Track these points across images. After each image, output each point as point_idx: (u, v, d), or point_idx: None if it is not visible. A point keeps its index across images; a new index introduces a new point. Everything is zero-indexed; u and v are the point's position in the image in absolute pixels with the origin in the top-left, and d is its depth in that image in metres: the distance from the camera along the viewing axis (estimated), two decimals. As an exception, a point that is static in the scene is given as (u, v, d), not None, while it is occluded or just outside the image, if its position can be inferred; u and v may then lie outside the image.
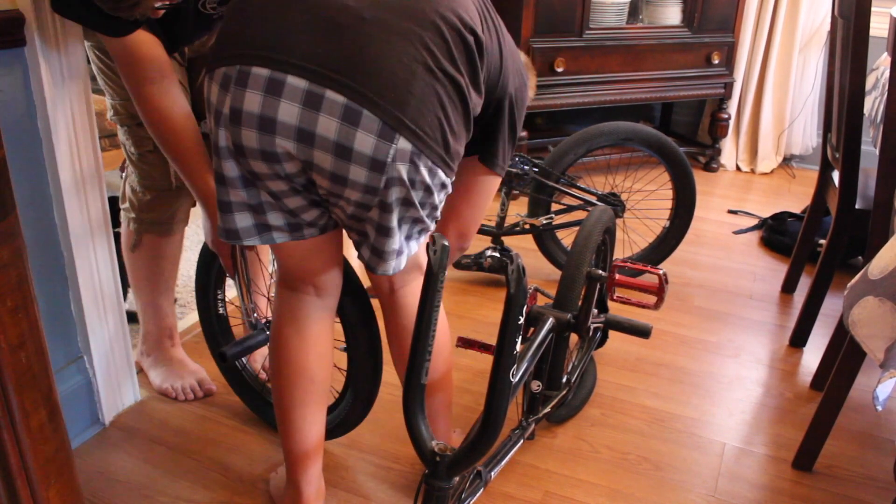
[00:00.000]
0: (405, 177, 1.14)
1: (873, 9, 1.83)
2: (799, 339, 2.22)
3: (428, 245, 1.18)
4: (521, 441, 1.61)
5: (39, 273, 1.58)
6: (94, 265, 1.68)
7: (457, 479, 1.28)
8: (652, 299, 1.74)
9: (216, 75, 1.14)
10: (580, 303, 1.69)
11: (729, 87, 3.63)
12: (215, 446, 1.73)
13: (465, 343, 1.70)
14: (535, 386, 1.64)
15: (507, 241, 2.55)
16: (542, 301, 1.85)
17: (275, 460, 1.69)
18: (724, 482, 1.67)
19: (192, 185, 1.52)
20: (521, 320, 1.17)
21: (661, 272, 1.71)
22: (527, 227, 2.47)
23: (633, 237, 2.77)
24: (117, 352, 1.78)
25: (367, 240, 1.25)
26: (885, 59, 2.04)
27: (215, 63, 1.14)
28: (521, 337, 1.20)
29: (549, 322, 1.60)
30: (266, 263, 1.99)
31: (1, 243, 0.94)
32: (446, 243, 1.19)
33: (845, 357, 1.59)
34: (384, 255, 1.25)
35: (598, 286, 1.71)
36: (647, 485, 1.66)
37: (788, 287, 2.55)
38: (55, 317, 1.64)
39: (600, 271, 1.66)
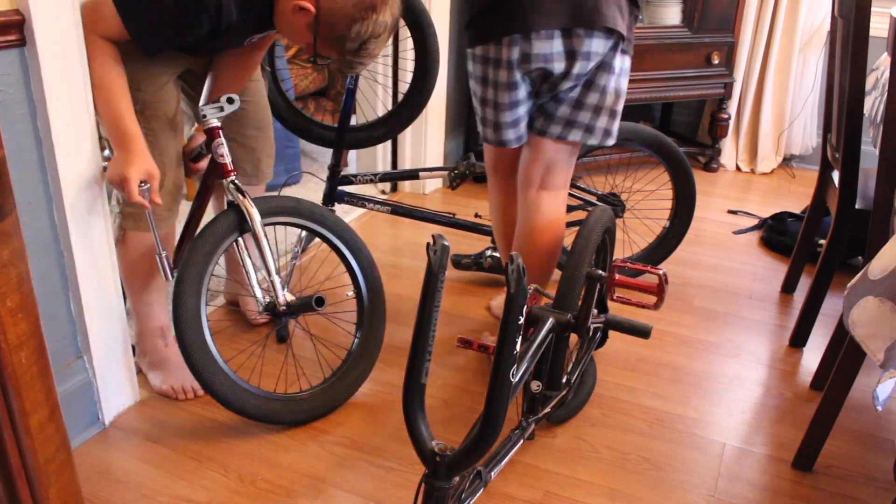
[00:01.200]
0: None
1: (873, 9, 1.83)
2: (799, 339, 2.22)
3: (428, 245, 1.18)
4: (521, 441, 1.61)
5: (39, 273, 1.58)
6: (94, 265, 1.68)
7: (457, 478, 1.28)
8: (652, 299, 1.74)
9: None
10: (580, 303, 1.68)
11: (729, 87, 3.63)
12: (215, 446, 1.73)
13: (464, 343, 1.70)
14: (535, 386, 1.64)
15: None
16: (542, 301, 1.85)
17: (274, 460, 1.69)
18: (724, 482, 1.67)
19: (117, 122, 1.61)
20: (521, 320, 1.17)
21: (661, 272, 1.71)
22: (527, 227, 2.46)
23: (632, 237, 2.77)
24: (117, 352, 1.78)
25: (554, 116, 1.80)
26: (885, 60, 2.04)
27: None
28: (520, 337, 1.20)
29: (549, 322, 1.60)
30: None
31: (1, 243, 0.94)
32: (446, 243, 1.19)
33: (845, 357, 1.59)
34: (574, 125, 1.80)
35: (598, 286, 1.71)
36: (648, 485, 1.66)
37: (788, 287, 2.55)
38: (55, 317, 1.64)
39: (600, 271, 1.66)
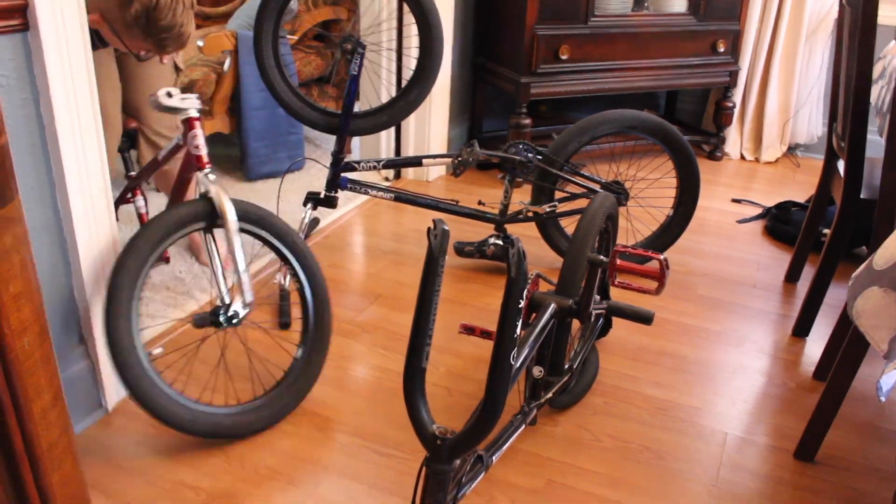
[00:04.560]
0: None
1: (881, -3, 1.82)
2: (802, 328, 2.22)
3: (429, 229, 1.18)
4: (523, 426, 1.62)
5: (42, 259, 1.58)
6: (97, 251, 1.68)
7: (457, 462, 1.29)
8: (653, 285, 1.74)
9: None
10: (582, 288, 1.68)
11: (734, 75, 3.61)
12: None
13: (467, 329, 1.70)
14: (537, 371, 1.64)
15: (510, 228, 2.55)
16: (544, 287, 1.85)
17: (276, 447, 1.70)
18: (725, 472, 1.67)
19: None
20: (522, 304, 1.17)
21: (661, 257, 1.71)
22: (530, 214, 2.46)
23: (636, 225, 2.76)
24: (120, 338, 1.78)
25: None
26: (892, 48, 2.02)
27: None
28: (522, 322, 1.20)
29: (551, 308, 1.60)
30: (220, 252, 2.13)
31: (3, 229, 0.94)
32: (447, 228, 1.19)
33: (848, 347, 1.59)
34: None
35: (600, 272, 1.71)
36: (649, 474, 1.66)
37: (792, 276, 2.54)
38: (58, 303, 1.64)
39: (602, 257, 1.66)
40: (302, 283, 1.83)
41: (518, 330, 1.19)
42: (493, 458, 1.47)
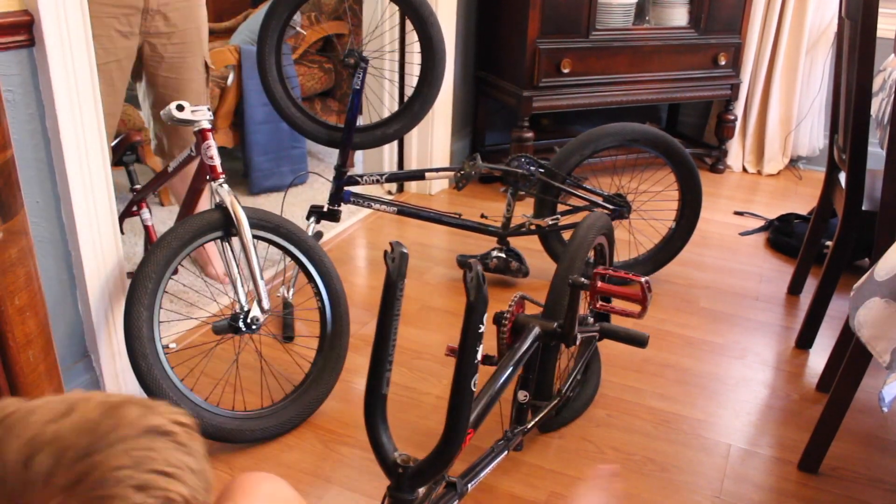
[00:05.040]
0: None
1: (880, 10, 1.83)
2: (805, 340, 2.22)
3: (386, 253, 1.16)
4: (506, 452, 1.56)
5: (47, 272, 1.59)
6: (101, 264, 1.68)
7: (422, 490, 1.26)
8: (636, 308, 1.68)
9: None
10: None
11: (735, 88, 3.63)
12: (220, 445, 1.73)
13: (454, 352, 1.66)
14: (522, 396, 1.61)
15: (513, 241, 2.55)
16: (532, 309, 1.79)
17: (279, 459, 1.70)
18: (729, 483, 1.67)
19: None
20: (482, 329, 1.14)
21: (642, 280, 1.64)
22: (532, 227, 2.47)
23: (638, 238, 2.76)
24: (124, 350, 1.79)
25: None
26: (892, 61, 2.03)
27: None
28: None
29: (535, 331, 1.58)
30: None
31: (9, 242, 0.95)
32: (405, 251, 1.17)
33: (851, 358, 1.59)
34: None
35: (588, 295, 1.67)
36: (653, 486, 1.66)
37: (795, 288, 2.54)
38: (62, 315, 1.65)
39: (583, 279, 1.58)
40: (318, 287, 1.85)
41: (479, 355, 1.17)
42: (469, 486, 1.41)
